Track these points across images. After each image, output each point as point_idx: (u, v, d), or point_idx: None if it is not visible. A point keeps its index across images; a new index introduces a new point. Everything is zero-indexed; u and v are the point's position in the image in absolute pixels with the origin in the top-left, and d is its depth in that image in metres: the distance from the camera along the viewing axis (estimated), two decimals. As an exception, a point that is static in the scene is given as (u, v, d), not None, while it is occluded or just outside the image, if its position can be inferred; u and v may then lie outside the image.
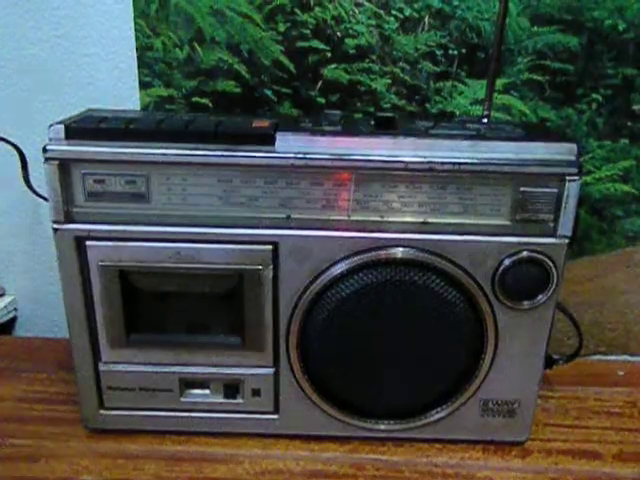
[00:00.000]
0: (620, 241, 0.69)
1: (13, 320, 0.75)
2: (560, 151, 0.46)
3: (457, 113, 0.64)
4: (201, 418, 0.54)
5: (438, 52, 0.62)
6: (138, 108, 0.65)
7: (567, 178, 0.46)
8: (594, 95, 0.63)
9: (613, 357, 0.73)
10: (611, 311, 0.72)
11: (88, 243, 0.48)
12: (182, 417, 0.54)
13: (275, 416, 0.54)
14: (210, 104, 0.65)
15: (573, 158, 0.46)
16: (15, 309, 0.75)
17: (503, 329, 0.50)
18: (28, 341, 0.71)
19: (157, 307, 0.51)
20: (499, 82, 0.62)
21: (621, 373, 0.67)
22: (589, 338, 0.71)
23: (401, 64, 0.63)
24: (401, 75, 0.63)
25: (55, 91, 0.66)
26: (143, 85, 0.65)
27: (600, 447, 0.56)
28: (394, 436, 0.55)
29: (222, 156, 0.45)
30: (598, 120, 0.64)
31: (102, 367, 0.52)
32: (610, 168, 0.66)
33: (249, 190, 0.47)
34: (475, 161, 0.46)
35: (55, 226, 0.47)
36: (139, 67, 0.64)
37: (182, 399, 0.53)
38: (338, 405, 0.53)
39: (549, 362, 0.58)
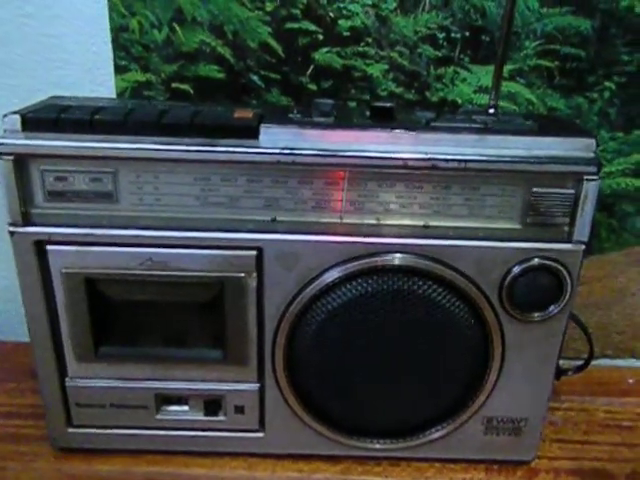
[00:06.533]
0: (630, 239, 0.66)
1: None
2: (577, 147, 0.43)
3: (460, 102, 0.61)
4: (179, 436, 0.51)
5: (439, 35, 0.59)
6: (114, 94, 0.62)
7: (585, 178, 0.43)
8: (607, 83, 0.60)
9: (621, 362, 0.71)
10: (619, 313, 0.70)
11: (49, 248, 0.44)
12: (158, 435, 0.51)
13: (260, 434, 0.51)
14: (191, 91, 0.61)
15: (592, 155, 0.43)
16: (-13, 309, 0.71)
17: (511, 342, 0.47)
18: (-2, 346, 0.67)
19: (129, 318, 0.48)
20: (505, 68, 0.59)
21: (631, 381, 0.65)
22: (595, 341, 0.68)
23: (399, 48, 0.60)
24: (399, 60, 0.60)
25: (22, 77, 0.61)
26: (119, 69, 0.61)
27: (612, 466, 0.53)
28: (390, 455, 0.52)
29: (199, 151, 0.42)
30: (610, 110, 0.61)
31: (69, 382, 0.49)
32: (622, 162, 0.63)
33: (230, 189, 0.43)
34: (482, 158, 0.43)
35: (11, 229, 0.44)
36: (114, 50, 0.60)
37: (158, 416, 0.51)
38: (329, 423, 0.50)
39: (557, 373, 0.54)
